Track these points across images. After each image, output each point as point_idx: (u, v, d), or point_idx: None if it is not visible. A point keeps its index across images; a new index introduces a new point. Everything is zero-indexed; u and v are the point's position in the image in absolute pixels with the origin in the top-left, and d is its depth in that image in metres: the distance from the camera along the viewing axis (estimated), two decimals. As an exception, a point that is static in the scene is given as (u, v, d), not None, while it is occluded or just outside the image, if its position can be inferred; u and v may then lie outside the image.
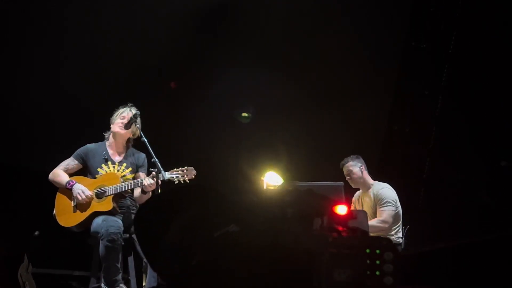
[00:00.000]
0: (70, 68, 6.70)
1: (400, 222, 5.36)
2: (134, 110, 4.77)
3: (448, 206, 6.68)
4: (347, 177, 5.51)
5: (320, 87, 7.23)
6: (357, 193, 5.63)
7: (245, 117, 7.39)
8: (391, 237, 5.28)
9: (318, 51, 7.11)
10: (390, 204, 5.26)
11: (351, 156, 5.56)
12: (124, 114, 4.76)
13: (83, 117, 6.01)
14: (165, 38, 6.79)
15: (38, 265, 6.07)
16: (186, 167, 4.48)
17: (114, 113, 4.84)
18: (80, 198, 4.50)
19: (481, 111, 6.51)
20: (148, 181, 4.38)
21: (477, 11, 6.70)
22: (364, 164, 5.54)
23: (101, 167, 4.69)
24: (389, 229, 5.26)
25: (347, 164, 5.52)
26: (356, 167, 5.48)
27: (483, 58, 6.51)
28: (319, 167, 6.89)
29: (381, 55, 7.15)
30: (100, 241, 4.32)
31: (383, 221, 5.20)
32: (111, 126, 4.82)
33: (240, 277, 2.10)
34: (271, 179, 6.37)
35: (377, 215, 5.28)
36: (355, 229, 2.06)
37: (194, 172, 4.48)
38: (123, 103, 4.87)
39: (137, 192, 4.62)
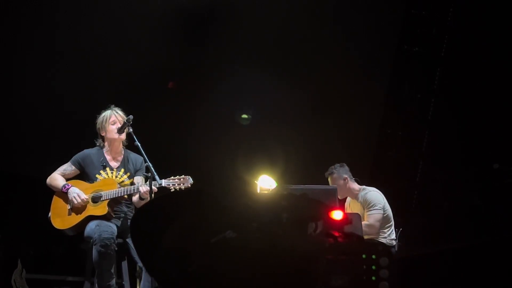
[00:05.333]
0: (65, 74, 6.69)
1: (392, 224, 5.37)
2: (120, 112, 4.71)
3: (441, 209, 6.71)
4: None
5: (313, 91, 7.25)
6: (348, 198, 5.64)
7: (244, 118, 7.40)
8: (384, 240, 5.30)
9: (312, 56, 7.13)
10: (376, 208, 5.26)
11: (336, 165, 5.47)
12: (113, 119, 4.67)
13: (78, 123, 5.99)
14: (161, 42, 6.79)
15: (31, 270, 6.05)
16: (183, 175, 4.45)
17: (98, 119, 4.73)
18: (75, 201, 4.48)
19: (473, 114, 6.55)
20: (144, 188, 4.37)
21: (469, 15, 6.76)
22: (348, 173, 5.46)
23: (100, 174, 4.66)
24: (377, 232, 5.26)
25: (332, 176, 5.45)
26: (340, 179, 5.41)
27: (475, 62, 6.56)
28: (313, 171, 6.90)
29: (373, 59, 7.18)
30: (93, 246, 4.28)
31: (369, 225, 5.20)
32: (102, 133, 4.74)
33: (237, 283, 2.10)
34: (265, 183, 6.36)
35: (364, 219, 5.29)
36: (351, 234, 2.07)
37: (191, 181, 4.43)
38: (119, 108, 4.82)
39: (135, 197, 4.61)
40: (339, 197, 5.40)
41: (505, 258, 5.16)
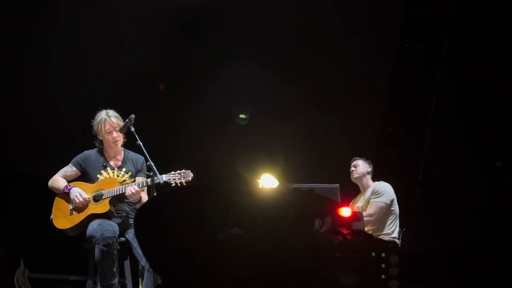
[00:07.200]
0: (65, 73, 6.68)
1: (397, 222, 5.37)
2: (114, 118, 4.66)
3: (443, 207, 6.70)
4: (352, 168, 5.61)
5: (314, 89, 7.24)
6: (353, 200, 5.70)
7: (242, 118, 7.39)
8: (387, 237, 5.29)
9: (312, 53, 7.11)
10: (384, 196, 5.30)
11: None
12: (107, 127, 4.63)
13: (79, 121, 5.97)
14: (159, 40, 6.78)
15: (34, 269, 6.04)
16: (183, 170, 4.45)
17: (94, 123, 4.70)
18: (77, 200, 4.48)
19: (475, 112, 6.54)
20: (132, 189, 4.37)
21: (470, 12, 6.74)
22: (372, 170, 5.66)
23: (101, 174, 4.66)
24: (378, 227, 5.27)
25: (358, 160, 5.65)
26: (364, 166, 5.60)
27: (477, 59, 6.54)
28: (314, 169, 6.90)
29: (374, 57, 7.17)
30: (96, 246, 4.28)
31: (368, 214, 5.25)
32: (99, 137, 4.71)
33: (244, 281, 2.08)
34: (267, 181, 6.34)
35: (368, 207, 5.32)
36: (360, 232, 2.05)
37: (191, 175, 4.45)
38: (118, 107, 4.79)
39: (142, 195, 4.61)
40: (352, 179, 5.63)
41: (507, 255, 5.15)
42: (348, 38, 7.01)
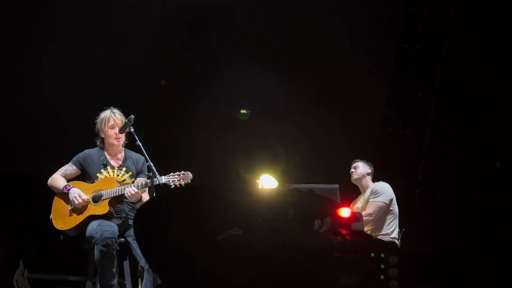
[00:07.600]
0: (65, 73, 6.67)
1: (396, 222, 5.38)
2: (118, 115, 4.67)
3: (443, 207, 6.71)
4: (352, 170, 5.66)
5: (314, 90, 7.24)
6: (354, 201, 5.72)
7: (243, 114, 7.38)
8: (387, 238, 5.29)
9: (313, 54, 7.12)
10: (383, 196, 5.32)
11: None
12: (111, 123, 4.64)
13: (79, 121, 5.98)
14: (159, 39, 6.78)
15: (34, 270, 6.05)
16: (182, 171, 4.44)
17: (97, 120, 4.71)
18: (76, 201, 4.46)
19: (474, 112, 6.54)
20: (130, 191, 4.37)
21: (470, 12, 6.75)
22: (372, 171, 5.68)
23: (101, 173, 4.65)
24: (375, 223, 5.29)
25: (358, 162, 5.69)
26: (364, 168, 5.64)
27: (476, 60, 6.55)
28: (315, 169, 6.90)
29: (374, 58, 7.17)
30: (95, 246, 4.26)
31: (368, 214, 5.27)
32: (101, 134, 4.71)
33: (244, 281, 2.08)
34: (267, 182, 6.35)
35: (367, 206, 5.33)
36: (359, 232, 2.05)
37: (191, 176, 4.44)
38: (118, 107, 4.79)
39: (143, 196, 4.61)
40: (351, 180, 5.67)
41: (507, 255, 5.16)
42: (348, 39, 7.02)
